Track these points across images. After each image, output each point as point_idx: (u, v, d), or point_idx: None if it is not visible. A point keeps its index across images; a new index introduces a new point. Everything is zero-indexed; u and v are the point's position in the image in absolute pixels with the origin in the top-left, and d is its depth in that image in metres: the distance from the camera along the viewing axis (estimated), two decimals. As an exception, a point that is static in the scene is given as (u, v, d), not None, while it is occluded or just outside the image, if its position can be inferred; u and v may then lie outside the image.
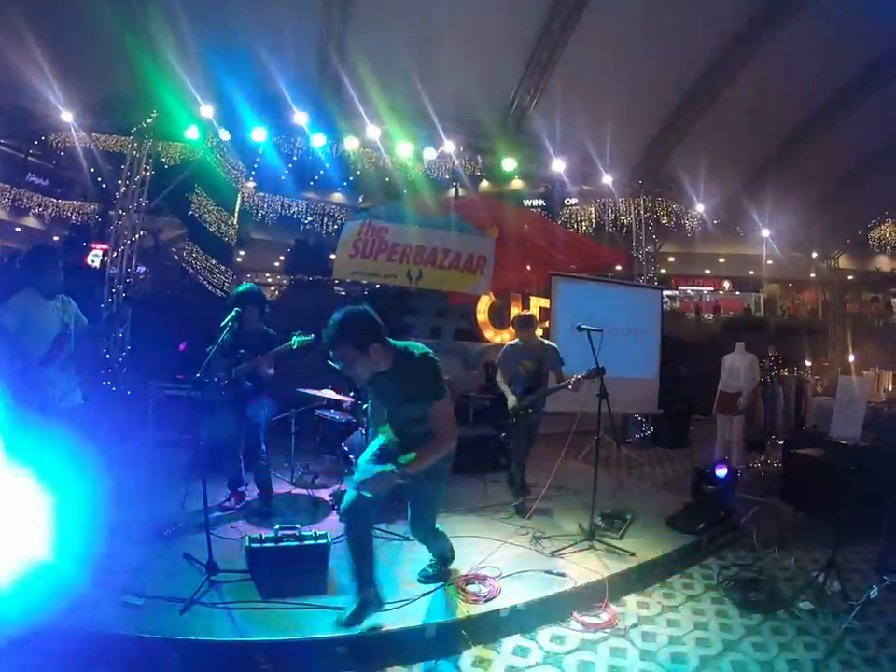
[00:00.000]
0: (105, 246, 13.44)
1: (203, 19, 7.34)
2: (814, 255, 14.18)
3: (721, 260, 27.27)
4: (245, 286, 5.65)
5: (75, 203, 20.43)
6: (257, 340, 5.23)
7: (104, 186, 14.63)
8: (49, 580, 3.39)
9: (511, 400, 5.80)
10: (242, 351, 5.12)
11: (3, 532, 3.39)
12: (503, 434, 7.48)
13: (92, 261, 15.15)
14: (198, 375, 4.12)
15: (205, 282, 13.56)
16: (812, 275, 17.19)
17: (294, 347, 5.20)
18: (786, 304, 26.46)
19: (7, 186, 19.81)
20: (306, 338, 5.23)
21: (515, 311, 10.93)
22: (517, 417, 5.80)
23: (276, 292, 25.43)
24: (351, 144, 9.11)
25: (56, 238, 21.70)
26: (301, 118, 8.50)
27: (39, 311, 4.25)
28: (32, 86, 7.69)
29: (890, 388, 11.04)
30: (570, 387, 5.43)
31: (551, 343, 6.05)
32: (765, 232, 12.49)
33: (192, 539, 4.36)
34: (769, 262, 15.68)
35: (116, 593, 3.56)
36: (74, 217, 20.07)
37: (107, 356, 8.06)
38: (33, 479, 4.30)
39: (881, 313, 21.93)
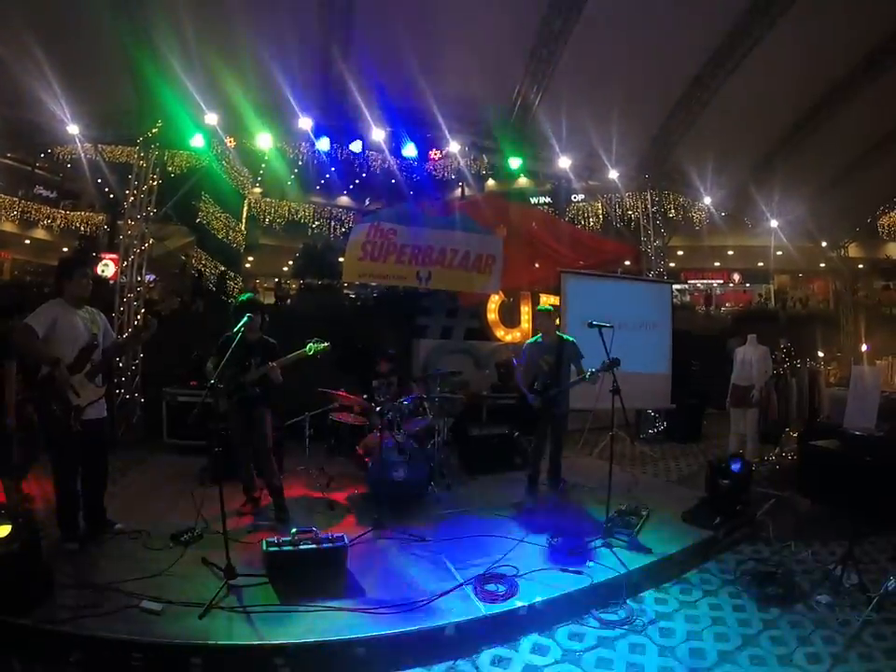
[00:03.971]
0: (114, 256, 13.48)
1: (206, 27, 7.35)
2: (823, 244, 14.05)
3: (730, 253, 27.04)
4: (247, 294, 5.67)
5: (83, 213, 20.55)
6: (260, 348, 5.24)
7: (111, 196, 14.73)
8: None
9: (533, 398, 5.89)
10: (251, 360, 5.14)
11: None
12: (517, 434, 7.52)
13: (102, 271, 15.18)
14: (212, 382, 4.14)
15: (214, 288, 13.63)
16: (822, 265, 17.06)
17: (310, 354, 5.18)
18: (796, 294, 26.11)
19: (15, 199, 19.99)
20: (322, 346, 5.20)
21: (525, 309, 10.91)
22: (541, 413, 5.86)
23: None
24: (356, 147, 9.12)
25: (65, 249, 21.82)
26: (305, 122, 8.49)
27: (68, 320, 4.30)
28: (37, 99, 7.71)
29: (905, 377, 10.94)
30: (587, 380, 5.53)
31: (569, 337, 6.07)
32: (773, 223, 12.42)
33: (209, 544, 4.40)
34: (778, 253, 15.53)
35: (134, 598, 3.58)
36: (82, 228, 20.19)
37: (120, 364, 8.11)
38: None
39: (893, 301, 21.68)
